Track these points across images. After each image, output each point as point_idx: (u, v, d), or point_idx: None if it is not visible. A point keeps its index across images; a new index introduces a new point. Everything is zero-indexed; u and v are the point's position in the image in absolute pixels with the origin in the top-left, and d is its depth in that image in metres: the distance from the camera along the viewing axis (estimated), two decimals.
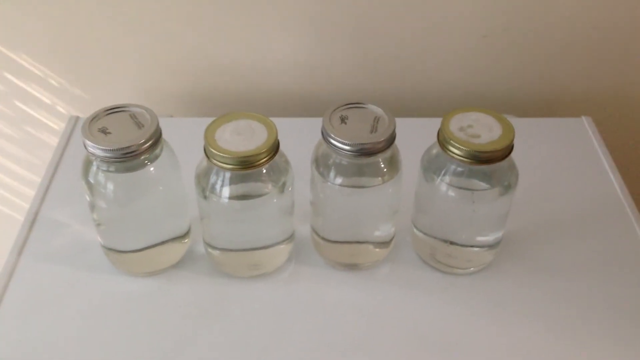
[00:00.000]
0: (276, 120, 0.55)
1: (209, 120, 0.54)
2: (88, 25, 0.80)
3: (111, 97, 0.88)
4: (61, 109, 0.89)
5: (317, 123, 0.54)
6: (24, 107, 0.89)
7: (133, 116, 0.54)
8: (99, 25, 0.80)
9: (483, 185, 0.55)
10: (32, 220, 0.65)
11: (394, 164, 0.55)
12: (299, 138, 0.59)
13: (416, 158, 0.58)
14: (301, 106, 0.87)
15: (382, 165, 0.54)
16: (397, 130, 0.53)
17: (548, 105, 0.87)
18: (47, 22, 0.80)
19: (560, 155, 0.74)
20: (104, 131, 0.52)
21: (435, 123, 0.55)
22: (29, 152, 0.94)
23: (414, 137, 0.59)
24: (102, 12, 0.79)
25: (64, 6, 0.78)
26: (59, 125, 0.90)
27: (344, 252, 0.61)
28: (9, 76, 0.85)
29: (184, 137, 0.59)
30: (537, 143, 0.75)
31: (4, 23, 0.80)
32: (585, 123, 0.78)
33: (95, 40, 0.82)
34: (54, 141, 0.88)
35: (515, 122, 0.55)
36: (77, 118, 0.79)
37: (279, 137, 0.53)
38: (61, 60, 0.84)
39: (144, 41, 0.82)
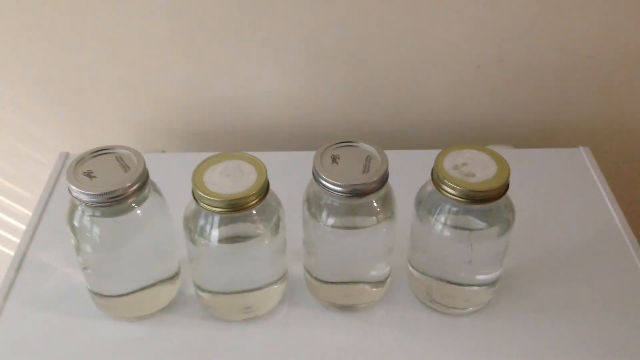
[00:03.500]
0: (268, 155, 0.53)
1: (202, 155, 0.53)
2: (79, 59, 0.79)
3: (102, 131, 0.87)
4: (51, 143, 0.88)
5: (309, 157, 0.53)
6: (15, 141, 0.88)
7: (119, 158, 0.52)
8: (89, 59, 0.79)
9: (479, 223, 0.53)
10: (20, 262, 0.64)
11: (387, 203, 0.54)
12: (291, 173, 0.58)
13: (411, 192, 0.56)
14: (294, 140, 0.86)
15: (376, 205, 0.53)
16: (390, 163, 0.52)
17: (545, 136, 0.86)
18: (37, 56, 0.79)
19: (558, 186, 0.73)
20: (89, 175, 0.50)
21: (429, 155, 0.54)
22: (20, 185, 0.93)
23: (408, 170, 0.57)
24: (94, 47, 0.78)
25: (54, 41, 0.77)
26: (50, 159, 0.89)
27: (338, 292, 0.59)
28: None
29: (175, 174, 0.58)
30: (534, 174, 0.74)
31: None
32: (583, 153, 0.77)
33: (86, 74, 0.81)
34: (44, 175, 0.87)
35: (512, 153, 0.54)
36: (67, 154, 0.78)
37: (271, 172, 0.52)
38: (52, 95, 0.83)
39: (136, 75, 0.81)
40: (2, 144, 0.88)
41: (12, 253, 0.65)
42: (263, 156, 0.54)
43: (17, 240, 0.88)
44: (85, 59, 0.79)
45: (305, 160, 0.56)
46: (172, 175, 0.58)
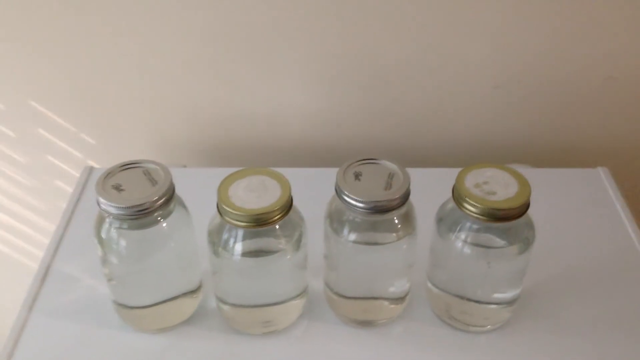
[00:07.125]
0: (290, 171, 0.54)
1: (222, 170, 0.54)
2: (104, 74, 0.81)
3: (125, 145, 0.89)
4: (75, 157, 0.89)
5: (331, 173, 0.54)
6: (40, 155, 0.89)
7: (147, 172, 0.54)
8: (114, 73, 0.81)
9: (499, 241, 0.54)
10: (44, 274, 0.65)
11: (408, 220, 0.55)
12: (313, 189, 0.58)
13: (431, 209, 0.57)
14: (315, 156, 0.87)
15: (397, 222, 0.54)
16: (411, 181, 0.53)
17: (563, 156, 0.86)
18: (63, 69, 0.81)
19: (576, 207, 0.73)
20: (117, 188, 0.52)
21: (449, 173, 0.55)
22: (44, 199, 0.94)
23: (429, 188, 0.58)
24: (118, 61, 0.80)
25: (80, 55, 0.79)
26: (74, 173, 0.90)
27: (357, 308, 0.60)
28: (24, 124, 0.86)
29: (196, 188, 0.59)
30: (552, 194, 0.74)
31: (21, 71, 0.81)
32: (602, 174, 0.77)
33: (111, 88, 0.83)
34: (68, 189, 0.88)
35: (530, 172, 0.54)
36: (92, 168, 0.79)
37: (293, 188, 0.53)
38: (77, 108, 0.85)
39: (159, 90, 0.83)
40: (27, 157, 0.89)
41: (34, 265, 0.66)
42: (286, 172, 0.55)
43: (39, 253, 0.90)
44: (110, 73, 0.81)
45: (327, 176, 0.57)
46: (194, 189, 0.59)
